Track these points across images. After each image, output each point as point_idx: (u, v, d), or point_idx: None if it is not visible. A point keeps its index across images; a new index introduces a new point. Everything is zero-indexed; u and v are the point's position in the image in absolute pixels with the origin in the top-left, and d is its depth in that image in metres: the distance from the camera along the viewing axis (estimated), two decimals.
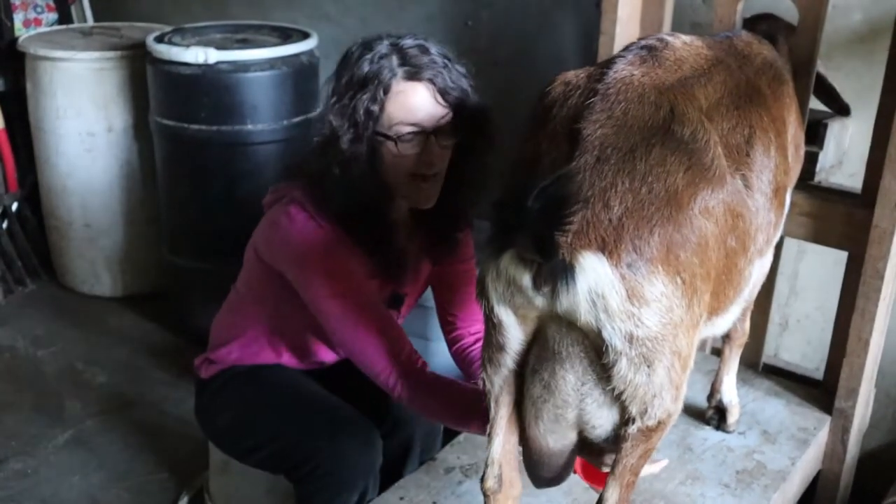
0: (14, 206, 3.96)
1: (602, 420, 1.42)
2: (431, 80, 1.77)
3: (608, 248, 1.23)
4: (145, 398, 3.19)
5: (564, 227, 1.19)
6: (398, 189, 1.86)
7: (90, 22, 4.29)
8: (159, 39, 3.33)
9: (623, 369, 1.30)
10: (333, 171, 1.80)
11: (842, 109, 2.33)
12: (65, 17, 4.32)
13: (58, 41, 3.73)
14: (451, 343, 2.10)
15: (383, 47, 1.78)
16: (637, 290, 1.25)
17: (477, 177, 1.91)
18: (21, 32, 4.08)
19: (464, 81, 1.82)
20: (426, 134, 1.78)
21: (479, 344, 1.95)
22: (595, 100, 1.36)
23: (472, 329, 2.07)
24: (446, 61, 1.80)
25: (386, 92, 1.75)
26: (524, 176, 1.40)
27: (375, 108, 1.75)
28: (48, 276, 4.02)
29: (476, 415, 1.74)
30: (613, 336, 1.27)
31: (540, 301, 1.28)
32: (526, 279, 1.27)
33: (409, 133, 1.78)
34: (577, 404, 1.40)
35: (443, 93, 1.78)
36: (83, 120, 3.62)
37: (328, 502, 1.96)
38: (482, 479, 1.56)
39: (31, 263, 4.00)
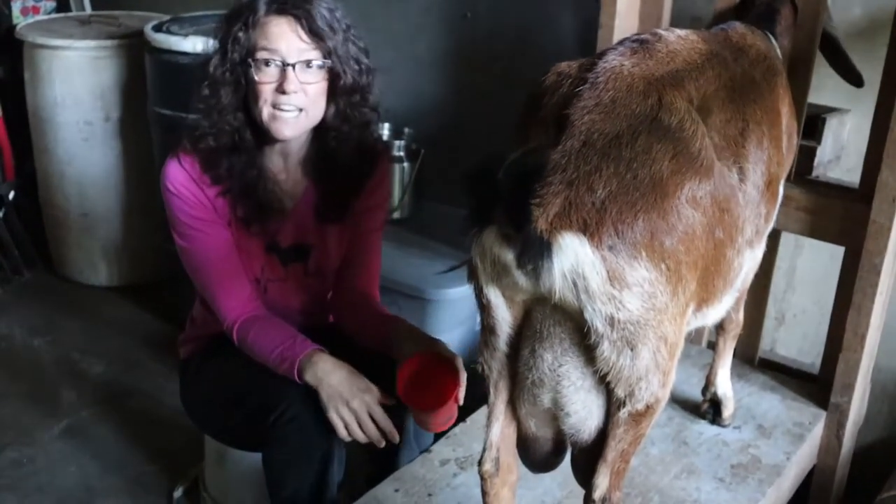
0: (11, 195, 3.95)
1: (576, 406, 1.43)
2: (295, 16, 1.87)
3: (590, 229, 1.25)
4: (141, 388, 3.20)
5: (535, 197, 1.23)
6: (263, 121, 1.90)
7: (88, 10, 4.28)
8: (157, 28, 3.32)
9: (606, 351, 1.33)
10: (203, 93, 1.93)
11: (854, 79, 2.24)
12: (63, 6, 4.30)
13: (56, 29, 3.72)
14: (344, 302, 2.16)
15: None
16: (618, 273, 1.27)
17: (348, 138, 1.99)
18: (19, 20, 4.07)
19: (339, 28, 1.90)
20: (285, 65, 1.86)
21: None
22: (584, 88, 1.38)
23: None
24: (322, 3, 1.90)
25: (255, 24, 1.87)
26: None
27: (242, 35, 1.88)
28: (45, 265, 4.02)
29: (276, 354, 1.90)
30: (595, 318, 1.29)
31: (523, 280, 1.30)
32: (510, 257, 1.28)
33: (266, 59, 1.87)
34: (553, 386, 1.42)
35: (310, 30, 1.87)
36: (81, 109, 3.61)
37: (297, 446, 1.89)
38: (479, 462, 1.58)
39: (28, 252, 4.00)
